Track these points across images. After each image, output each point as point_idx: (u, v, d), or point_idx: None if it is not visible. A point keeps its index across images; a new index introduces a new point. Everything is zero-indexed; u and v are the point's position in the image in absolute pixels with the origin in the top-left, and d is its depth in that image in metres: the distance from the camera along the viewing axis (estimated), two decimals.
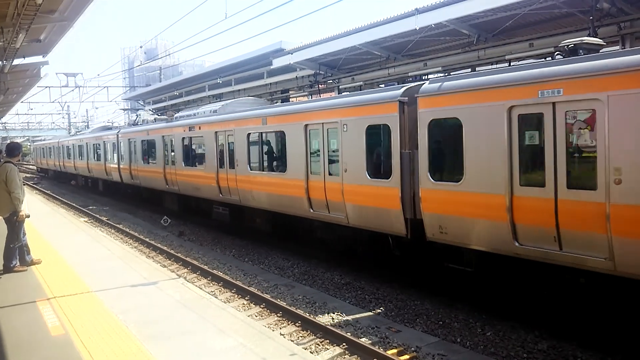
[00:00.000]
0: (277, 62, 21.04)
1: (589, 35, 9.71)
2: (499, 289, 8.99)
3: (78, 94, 36.68)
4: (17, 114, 66.93)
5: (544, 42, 12.14)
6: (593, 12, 10.22)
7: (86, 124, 63.63)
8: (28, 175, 53.84)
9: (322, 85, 19.81)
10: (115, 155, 25.86)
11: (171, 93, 37.47)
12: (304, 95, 22.42)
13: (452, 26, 13.54)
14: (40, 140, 60.54)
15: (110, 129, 31.49)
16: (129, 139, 24.10)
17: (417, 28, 13.43)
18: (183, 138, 18.32)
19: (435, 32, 14.21)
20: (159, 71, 49.55)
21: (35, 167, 59.48)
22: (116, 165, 25.81)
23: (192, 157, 18.03)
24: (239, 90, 28.81)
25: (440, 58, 14.99)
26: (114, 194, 29.20)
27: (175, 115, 19.98)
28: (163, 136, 19.98)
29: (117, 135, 25.70)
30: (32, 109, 56.71)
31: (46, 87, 35.87)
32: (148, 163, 21.91)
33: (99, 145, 28.96)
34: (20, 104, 42.06)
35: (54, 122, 69.87)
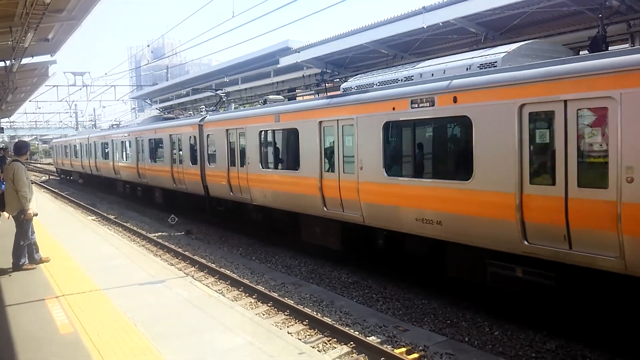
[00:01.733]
0: (284, 61, 21.10)
1: (597, 33, 9.65)
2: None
3: (85, 93, 36.90)
4: (25, 113, 67.63)
5: (552, 40, 12.07)
6: (602, 10, 10.14)
7: (93, 122, 63.97)
8: (36, 174, 54.04)
9: (329, 84, 19.81)
10: (196, 155, 17.99)
11: (178, 92, 37.58)
12: (310, 94, 22.44)
13: (459, 24, 13.50)
14: (59, 137, 52.05)
15: (171, 119, 23.68)
16: (227, 130, 15.86)
17: (425, 26, 13.39)
18: (388, 124, 9.96)
19: (442, 31, 14.17)
20: (165, 70, 49.75)
21: (55, 169, 49.78)
22: (197, 170, 17.85)
23: (418, 160, 9.74)
24: (245, 89, 28.91)
25: (447, 56, 14.94)
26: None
27: (344, 87, 11.94)
28: (321, 122, 11.70)
29: (200, 126, 17.64)
30: (40, 108, 56.85)
31: (54, 86, 36.11)
32: (282, 168, 13.60)
33: (161, 141, 21.02)
34: (28, 103, 42.37)
35: (61, 121, 70.37)
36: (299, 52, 19.47)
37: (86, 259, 10.89)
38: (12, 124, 73.30)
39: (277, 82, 25.75)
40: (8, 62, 15.79)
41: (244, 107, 19.12)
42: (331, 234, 12.14)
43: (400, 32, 14.71)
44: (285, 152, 13.69)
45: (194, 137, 18.01)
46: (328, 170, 11.67)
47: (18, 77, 18.59)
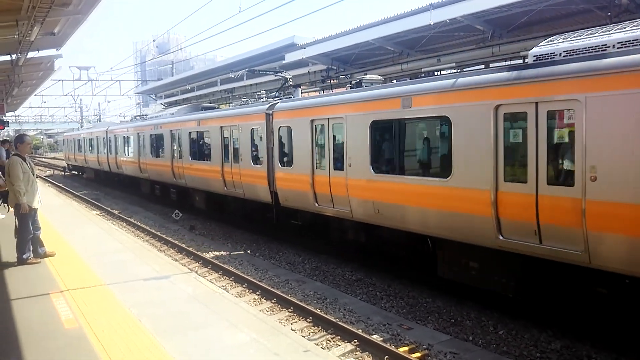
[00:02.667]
0: (290, 57, 21.07)
1: None
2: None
3: (90, 88, 36.96)
4: (31, 107, 67.99)
5: None
6: (611, 8, 10.09)
7: (98, 117, 64.19)
8: (41, 168, 54.13)
9: (335, 81, 19.78)
10: (261, 152, 14.38)
11: (183, 87, 37.54)
12: (315, 91, 22.40)
13: (466, 22, 13.45)
14: (71, 130, 47.92)
15: (212, 108, 20.10)
16: (313, 121, 12.20)
17: (432, 23, 13.37)
18: None
19: (449, 28, 14.14)
20: (170, 65, 49.75)
21: (66, 165, 46.28)
22: (263, 171, 14.19)
23: None
24: (250, 85, 28.87)
25: (454, 54, 14.90)
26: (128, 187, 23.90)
27: (534, 53, 7.83)
28: (498, 106, 7.82)
29: (268, 115, 13.95)
30: (45, 102, 57.12)
31: (59, 80, 36.15)
32: (415, 175, 9.74)
33: (208, 134, 17.41)
34: (33, 97, 42.34)
35: (66, 116, 70.64)
36: (304, 48, 19.46)
37: (91, 253, 10.89)
38: (17, 118, 73.51)
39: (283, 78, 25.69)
40: (14, 56, 15.78)
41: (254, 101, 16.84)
42: (500, 273, 8.34)
43: (407, 29, 14.69)
44: (422, 150, 9.92)
45: (259, 129, 14.36)
46: (510, 180, 7.78)
47: (24, 70, 18.58)
